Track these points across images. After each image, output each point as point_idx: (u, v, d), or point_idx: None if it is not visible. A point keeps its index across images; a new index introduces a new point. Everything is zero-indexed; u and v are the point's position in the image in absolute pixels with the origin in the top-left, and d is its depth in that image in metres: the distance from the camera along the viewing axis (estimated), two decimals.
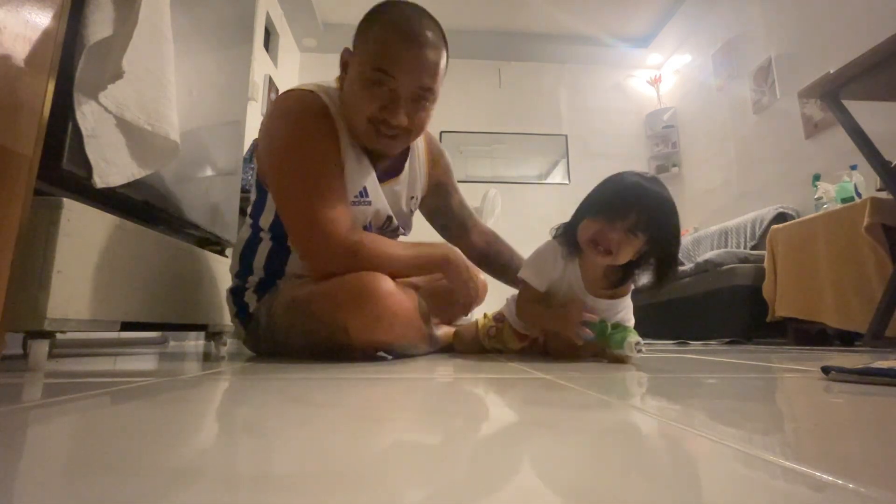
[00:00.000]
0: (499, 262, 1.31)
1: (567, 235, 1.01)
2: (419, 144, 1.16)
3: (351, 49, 0.97)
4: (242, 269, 1.10)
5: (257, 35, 3.20)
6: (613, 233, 0.90)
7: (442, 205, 1.28)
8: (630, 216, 0.89)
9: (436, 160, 1.23)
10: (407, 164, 1.12)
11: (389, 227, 1.13)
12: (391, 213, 1.10)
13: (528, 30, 4.33)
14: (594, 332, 0.95)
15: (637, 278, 0.99)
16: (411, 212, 1.19)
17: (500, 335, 1.17)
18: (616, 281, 0.99)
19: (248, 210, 1.12)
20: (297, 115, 0.97)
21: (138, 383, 0.58)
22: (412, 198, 1.16)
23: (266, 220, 1.06)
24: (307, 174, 0.94)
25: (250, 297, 1.07)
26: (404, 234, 1.21)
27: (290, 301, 0.98)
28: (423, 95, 0.94)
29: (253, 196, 1.11)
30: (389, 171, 1.09)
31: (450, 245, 1.16)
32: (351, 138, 0.99)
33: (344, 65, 0.98)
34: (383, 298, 0.89)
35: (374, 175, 1.03)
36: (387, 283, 0.91)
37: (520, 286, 1.09)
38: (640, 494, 0.21)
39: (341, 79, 1.00)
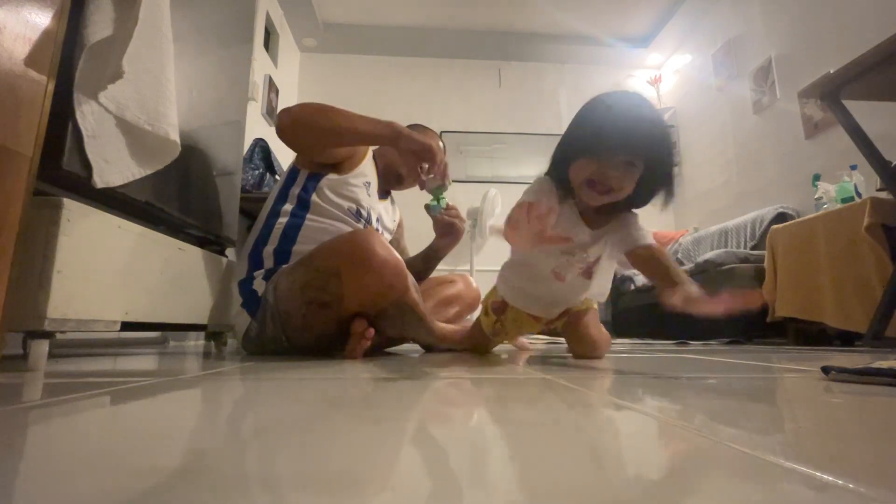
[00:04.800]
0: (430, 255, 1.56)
1: (559, 179, 0.94)
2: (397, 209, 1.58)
3: None
4: (252, 264, 1.18)
5: (257, 35, 3.19)
6: (613, 170, 0.84)
7: (398, 236, 1.63)
8: (627, 148, 0.83)
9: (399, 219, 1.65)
10: (390, 198, 1.49)
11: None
12: (382, 224, 1.37)
13: (528, 30, 4.32)
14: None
15: (638, 202, 0.94)
16: (392, 229, 1.50)
17: (504, 327, 1.13)
18: (613, 211, 0.95)
19: (274, 193, 1.28)
20: None
21: (138, 383, 0.58)
22: (393, 220, 1.50)
23: (296, 189, 1.24)
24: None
25: (259, 285, 1.13)
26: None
27: (295, 264, 1.10)
28: None
29: (283, 178, 1.29)
30: (383, 193, 1.44)
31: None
32: (373, 160, 1.37)
33: None
34: (375, 249, 1.00)
35: (377, 184, 1.35)
36: (379, 239, 1.03)
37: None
38: (640, 495, 0.21)
39: None
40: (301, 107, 1.19)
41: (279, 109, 1.22)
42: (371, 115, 1.19)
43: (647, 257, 0.92)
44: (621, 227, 0.96)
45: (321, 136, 1.18)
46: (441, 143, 1.48)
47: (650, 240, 0.94)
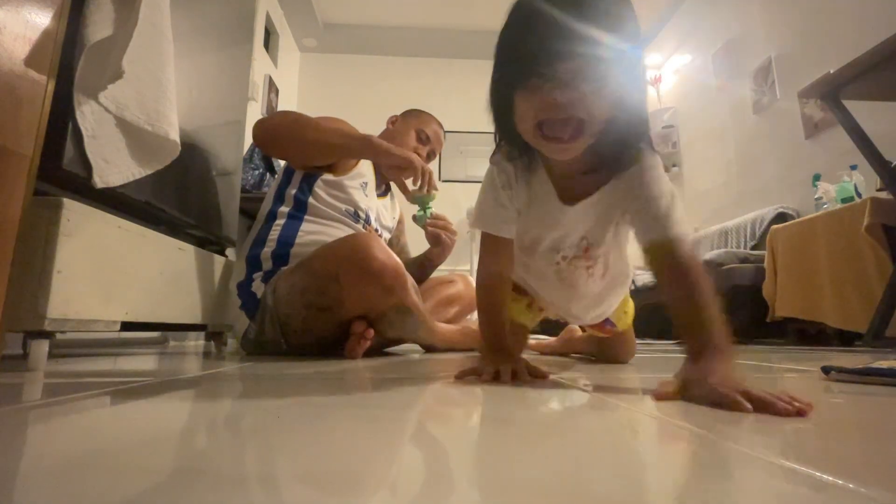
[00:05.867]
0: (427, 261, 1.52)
1: (510, 139, 0.66)
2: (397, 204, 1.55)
3: (398, 116, 1.49)
4: (251, 266, 1.17)
5: (257, 35, 3.19)
6: (562, 89, 0.53)
7: (398, 233, 1.60)
8: (571, 43, 0.52)
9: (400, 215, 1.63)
10: (389, 194, 1.47)
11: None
12: (381, 223, 1.36)
13: None
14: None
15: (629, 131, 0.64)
16: (392, 227, 1.48)
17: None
18: (601, 161, 0.66)
19: (271, 194, 1.27)
20: None
21: (138, 383, 0.58)
22: (393, 218, 1.49)
23: (292, 189, 1.23)
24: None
25: (258, 287, 1.13)
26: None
27: (294, 266, 1.09)
28: (434, 153, 1.47)
29: (279, 178, 1.27)
30: (383, 188, 1.41)
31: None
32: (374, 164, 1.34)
33: (393, 122, 1.48)
34: (374, 253, 0.99)
35: (375, 182, 1.33)
36: (378, 243, 1.01)
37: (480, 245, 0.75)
38: (639, 494, 0.21)
39: (392, 122, 1.49)
40: (275, 117, 1.20)
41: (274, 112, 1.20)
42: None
43: (670, 265, 0.59)
44: (627, 184, 0.67)
45: (294, 150, 1.19)
46: (441, 130, 1.47)
47: (676, 230, 0.61)
